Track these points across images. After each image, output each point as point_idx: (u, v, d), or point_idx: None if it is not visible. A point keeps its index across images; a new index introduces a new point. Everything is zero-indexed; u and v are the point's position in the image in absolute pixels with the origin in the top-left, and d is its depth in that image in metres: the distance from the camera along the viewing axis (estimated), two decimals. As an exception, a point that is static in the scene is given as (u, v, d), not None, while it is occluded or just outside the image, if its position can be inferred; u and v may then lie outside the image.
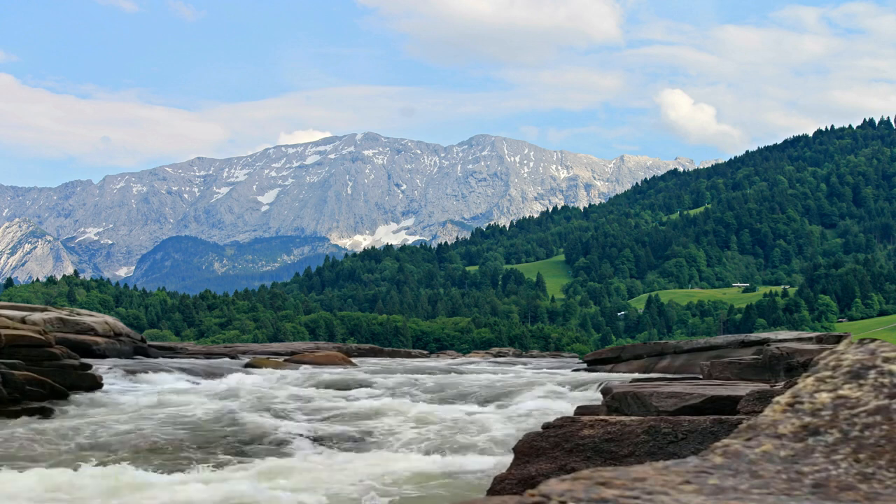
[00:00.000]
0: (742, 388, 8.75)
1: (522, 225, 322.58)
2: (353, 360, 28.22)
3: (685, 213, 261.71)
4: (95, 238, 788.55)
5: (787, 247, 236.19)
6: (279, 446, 11.65)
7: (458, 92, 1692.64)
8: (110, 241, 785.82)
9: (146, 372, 19.87)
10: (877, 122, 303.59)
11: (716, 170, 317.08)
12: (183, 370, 21.06)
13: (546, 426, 7.24)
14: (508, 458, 8.00)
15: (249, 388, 17.70)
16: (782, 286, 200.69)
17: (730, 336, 22.31)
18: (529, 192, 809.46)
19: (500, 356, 42.24)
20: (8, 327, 15.75)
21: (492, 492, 7.12)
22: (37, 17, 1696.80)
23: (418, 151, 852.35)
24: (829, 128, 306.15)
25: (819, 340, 15.98)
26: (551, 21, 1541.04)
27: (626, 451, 6.82)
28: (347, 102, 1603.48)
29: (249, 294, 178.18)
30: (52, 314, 23.85)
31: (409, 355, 40.04)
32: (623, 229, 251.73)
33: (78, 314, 25.55)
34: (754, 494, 1.73)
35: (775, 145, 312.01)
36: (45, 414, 13.40)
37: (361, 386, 18.57)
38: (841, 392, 2.13)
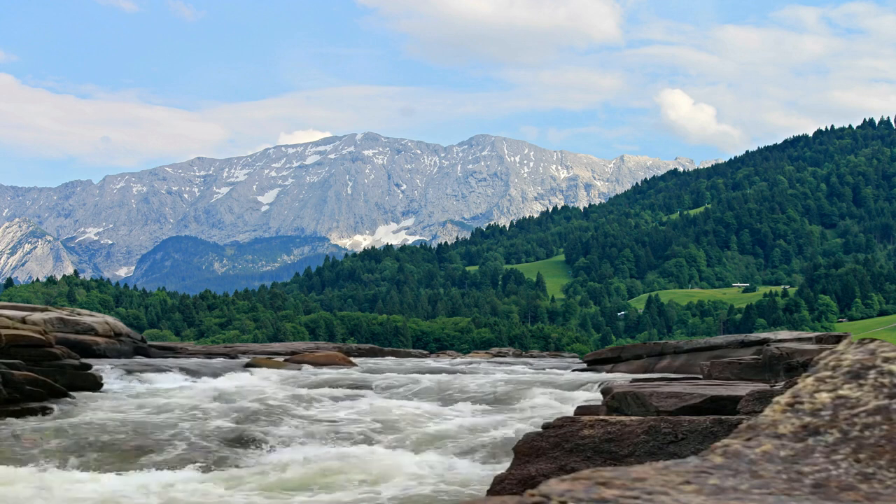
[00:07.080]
0: (742, 388, 8.74)
1: (522, 225, 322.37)
2: (353, 360, 28.20)
3: (685, 213, 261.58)
4: (95, 238, 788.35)
5: (787, 247, 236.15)
6: (279, 446, 11.66)
7: (458, 92, 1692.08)
8: (110, 241, 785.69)
9: (146, 372, 19.87)
10: (877, 122, 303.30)
11: (716, 170, 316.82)
12: (183, 370, 21.06)
13: (546, 426, 7.24)
14: (508, 458, 8.00)
15: (249, 388, 17.71)
16: (782, 286, 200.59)
17: (730, 336, 22.31)
18: (529, 192, 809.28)
19: (500, 356, 42.18)
20: (8, 327, 15.77)
21: (492, 492, 7.11)
22: (37, 17, 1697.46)
23: (418, 151, 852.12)
24: (829, 128, 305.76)
25: (819, 340, 15.97)
26: (551, 21, 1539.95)
27: (626, 451, 6.83)
28: (347, 102, 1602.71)
29: (249, 294, 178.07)
30: (53, 314, 23.83)
31: (408, 355, 40.00)
32: (623, 229, 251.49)
33: (78, 314, 25.53)
34: (754, 494, 1.74)
35: (775, 145, 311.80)
36: (46, 414, 13.40)
37: (361, 386, 18.57)
38: (841, 392, 2.14)
